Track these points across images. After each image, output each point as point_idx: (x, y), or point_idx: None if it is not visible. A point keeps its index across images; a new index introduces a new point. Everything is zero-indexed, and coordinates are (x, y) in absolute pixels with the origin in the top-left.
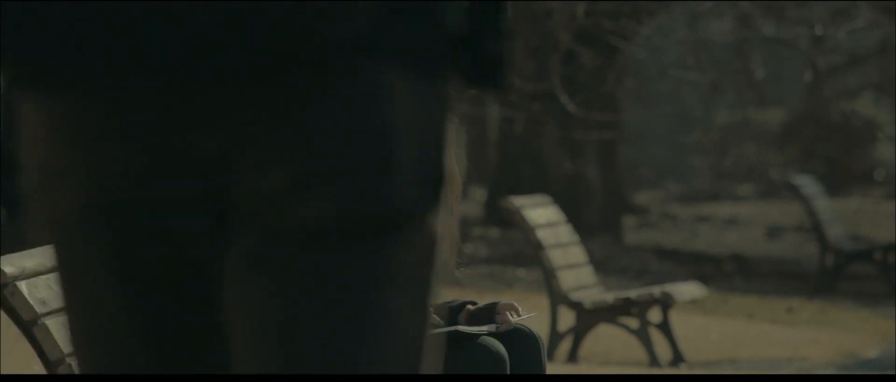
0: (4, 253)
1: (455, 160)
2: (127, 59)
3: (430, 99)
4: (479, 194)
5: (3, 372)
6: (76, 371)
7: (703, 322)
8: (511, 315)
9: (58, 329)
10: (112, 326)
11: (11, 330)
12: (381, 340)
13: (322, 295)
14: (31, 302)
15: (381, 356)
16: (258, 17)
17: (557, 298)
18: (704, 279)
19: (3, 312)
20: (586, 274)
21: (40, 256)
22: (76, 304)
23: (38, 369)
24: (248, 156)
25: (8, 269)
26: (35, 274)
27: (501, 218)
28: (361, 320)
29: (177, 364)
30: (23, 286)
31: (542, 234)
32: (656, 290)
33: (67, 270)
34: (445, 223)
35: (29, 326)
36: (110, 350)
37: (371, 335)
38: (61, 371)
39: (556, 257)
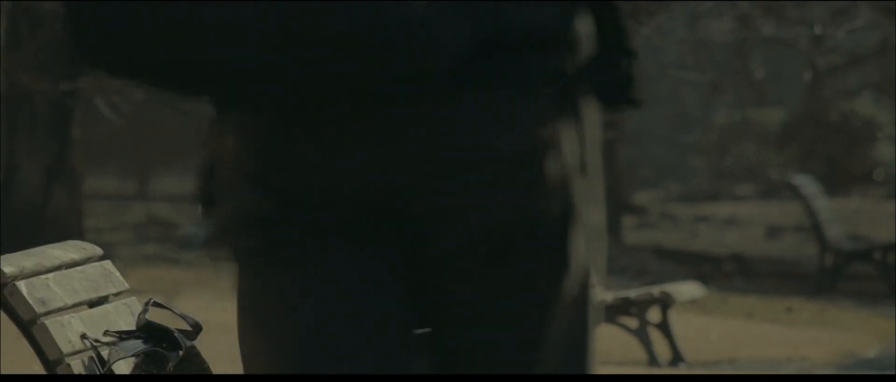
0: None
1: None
2: (317, 86)
3: (560, 122)
4: None
5: (2, 372)
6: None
7: (703, 322)
8: None
9: (57, 329)
10: (293, 317)
11: (11, 330)
12: (551, 328)
13: (488, 299)
14: (31, 301)
15: (555, 341)
16: (415, 45)
17: None
18: (704, 279)
19: (2, 312)
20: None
21: (40, 256)
22: (258, 293)
23: (38, 369)
24: (407, 173)
25: (7, 269)
26: (34, 273)
27: None
28: (531, 315)
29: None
30: (22, 286)
31: None
32: (656, 290)
33: (254, 262)
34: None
35: (28, 326)
36: (289, 337)
37: (543, 323)
38: (60, 371)
39: None
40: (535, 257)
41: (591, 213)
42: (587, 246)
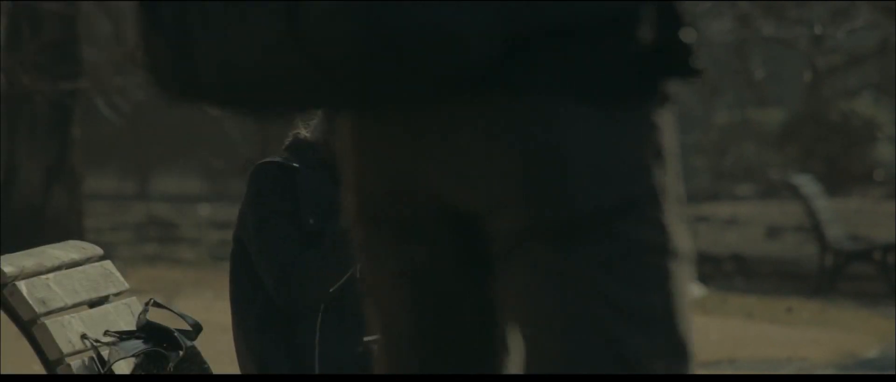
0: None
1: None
2: (390, 94)
3: (609, 120)
4: None
5: (2, 372)
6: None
7: (703, 322)
8: None
9: (57, 328)
10: (388, 300)
11: (11, 330)
12: (588, 322)
13: (531, 290)
14: (31, 301)
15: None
16: (445, 46)
17: None
18: (704, 279)
19: (2, 312)
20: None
21: (40, 256)
22: (368, 279)
23: (38, 369)
24: (455, 171)
25: (7, 269)
26: (35, 273)
27: None
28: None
29: (436, 338)
30: (22, 286)
31: None
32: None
33: (363, 253)
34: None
35: (28, 326)
36: (389, 314)
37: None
38: (61, 371)
39: None
40: (604, 246)
41: (648, 206)
42: (650, 238)
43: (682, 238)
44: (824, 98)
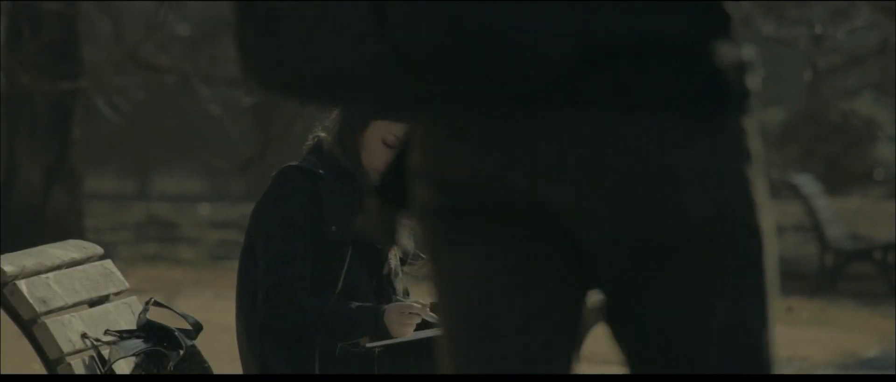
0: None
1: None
2: (473, 94)
3: (708, 133)
4: None
5: (3, 372)
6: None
7: None
8: None
9: (58, 328)
10: (463, 290)
11: (11, 330)
12: (703, 326)
13: (643, 298)
14: (31, 301)
15: (716, 337)
16: (518, 55)
17: None
18: None
19: (2, 311)
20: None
21: (40, 255)
22: (436, 270)
23: (38, 368)
24: (549, 176)
25: (8, 268)
26: (35, 273)
27: None
28: (692, 312)
29: (520, 341)
30: (22, 285)
31: None
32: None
33: (431, 250)
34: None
35: (29, 325)
36: (461, 301)
37: (706, 324)
38: (61, 370)
39: None
40: (712, 254)
41: (752, 213)
42: (753, 245)
43: (773, 241)
44: (824, 98)
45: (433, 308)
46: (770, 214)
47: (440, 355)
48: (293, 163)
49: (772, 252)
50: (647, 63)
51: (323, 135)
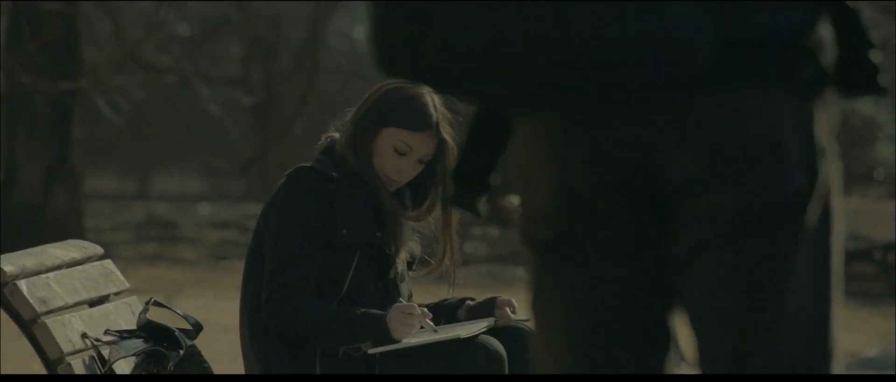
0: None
1: (831, 159)
2: (582, 90)
3: (807, 112)
4: None
5: (2, 372)
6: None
7: None
8: (509, 310)
9: (58, 328)
10: (572, 289)
11: (11, 329)
12: (795, 293)
13: (739, 261)
14: (31, 301)
15: (795, 306)
16: (676, 49)
17: None
18: None
19: (3, 311)
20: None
21: (40, 255)
22: (546, 273)
23: (38, 368)
24: (665, 157)
25: (8, 268)
26: (35, 273)
27: (501, 217)
28: (774, 279)
29: (624, 325)
30: (23, 285)
31: None
32: (529, 309)
33: (541, 255)
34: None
35: (29, 325)
36: (571, 316)
37: (786, 290)
38: (61, 370)
39: None
40: (783, 231)
41: (833, 196)
42: (829, 225)
43: (842, 222)
44: None
45: (532, 310)
46: (841, 197)
47: (536, 353)
48: (306, 165)
49: (840, 231)
50: (768, 52)
51: (336, 135)
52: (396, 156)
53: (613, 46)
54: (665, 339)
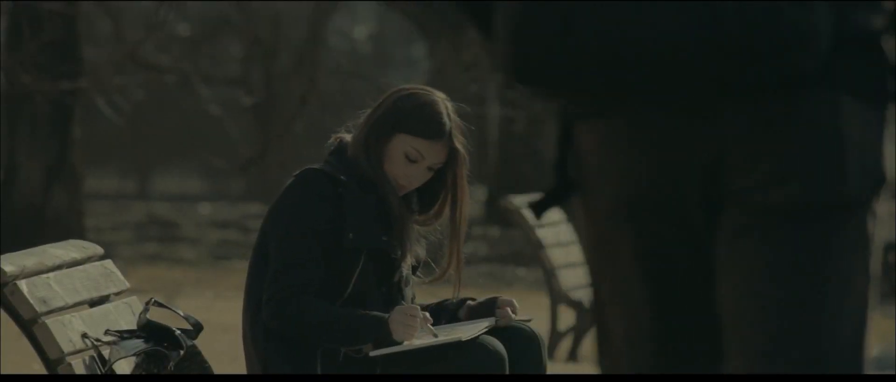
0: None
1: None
2: (650, 93)
3: (873, 117)
4: (480, 193)
5: (3, 372)
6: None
7: None
8: (510, 311)
9: (58, 328)
10: (635, 292)
11: (12, 330)
12: (838, 294)
13: (791, 255)
14: (31, 301)
15: (838, 306)
16: (745, 55)
17: (558, 297)
18: None
19: (3, 311)
20: (586, 274)
21: (40, 255)
22: (608, 280)
23: (39, 368)
24: (735, 159)
25: (8, 268)
26: (35, 272)
27: (501, 217)
28: (822, 276)
29: (682, 318)
30: (23, 285)
31: (542, 233)
32: (591, 305)
33: (603, 253)
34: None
35: (29, 325)
36: (632, 309)
37: (830, 289)
38: (61, 370)
39: (556, 256)
40: (837, 231)
41: (885, 186)
42: (874, 230)
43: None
44: None
45: (593, 306)
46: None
47: (600, 346)
48: (315, 166)
49: (880, 235)
50: (851, 53)
51: (346, 136)
52: (407, 163)
53: (762, 40)
54: (717, 329)
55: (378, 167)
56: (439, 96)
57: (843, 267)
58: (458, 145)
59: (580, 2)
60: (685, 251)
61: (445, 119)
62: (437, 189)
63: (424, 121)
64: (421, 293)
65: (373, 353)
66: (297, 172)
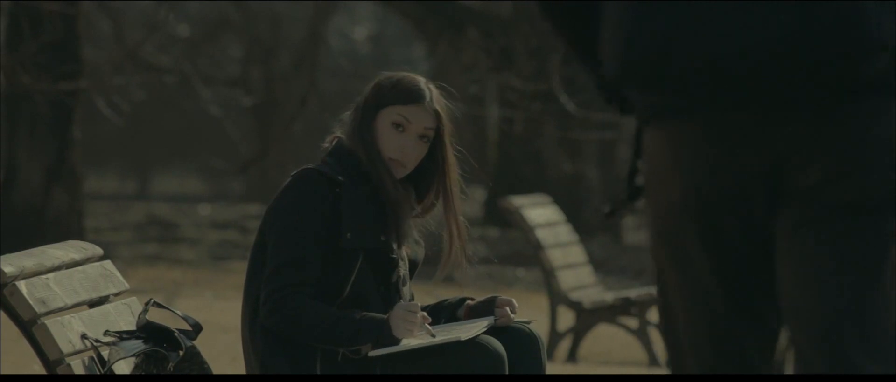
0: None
1: None
2: (715, 98)
3: None
4: (479, 194)
5: (2, 372)
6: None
7: None
8: (509, 311)
9: (57, 328)
10: (700, 279)
11: (11, 330)
12: (892, 281)
13: (847, 247)
14: (31, 301)
15: (890, 296)
16: (808, 66)
17: (557, 298)
18: None
19: (2, 312)
20: (586, 274)
21: (40, 256)
22: (674, 269)
23: (38, 369)
24: (798, 159)
25: (7, 269)
26: (35, 273)
27: (501, 217)
28: (876, 266)
29: (742, 303)
30: (22, 285)
31: (541, 234)
32: (656, 290)
33: (669, 244)
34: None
35: (28, 326)
36: (696, 294)
37: (883, 278)
38: (61, 371)
39: (555, 257)
40: (889, 222)
41: None
42: None
43: None
44: None
45: (658, 295)
46: None
47: (666, 331)
48: (313, 166)
49: None
50: (880, 58)
51: (341, 136)
52: (397, 133)
53: (846, 46)
54: (774, 314)
55: (373, 149)
56: (414, 73)
57: (891, 257)
58: (440, 109)
59: (682, 10)
60: (748, 242)
61: (423, 86)
62: (431, 173)
63: (403, 90)
64: (419, 293)
65: (372, 353)
66: (294, 172)
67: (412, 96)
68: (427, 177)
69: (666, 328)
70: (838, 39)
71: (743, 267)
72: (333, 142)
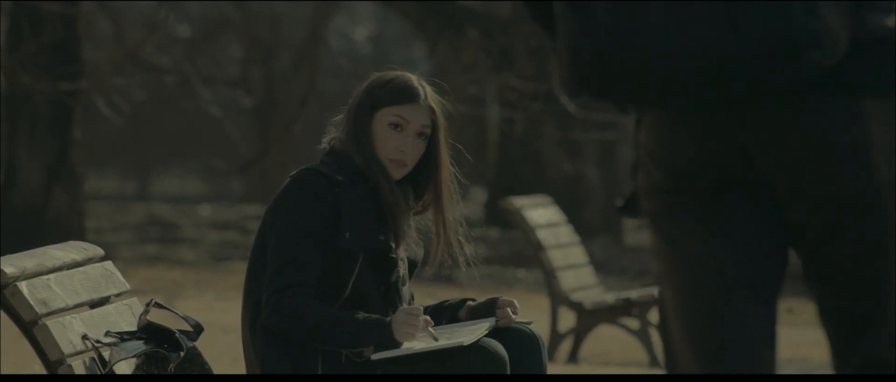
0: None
1: None
2: (660, 100)
3: (893, 113)
4: (479, 194)
5: (3, 372)
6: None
7: None
8: (510, 312)
9: (58, 329)
10: (685, 241)
11: (12, 331)
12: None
13: (848, 247)
14: (32, 302)
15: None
16: (738, 64)
17: (558, 299)
18: None
19: (3, 312)
20: (587, 275)
21: (41, 257)
22: (657, 236)
23: (39, 369)
24: (763, 157)
25: (8, 269)
26: (36, 274)
27: (501, 218)
28: (883, 264)
29: (740, 280)
30: (23, 286)
31: (542, 235)
32: (657, 291)
33: (658, 216)
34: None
35: (29, 326)
36: (686, 257)
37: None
38: (61, 371)
39: (556, 257)
40: (873, 222)
41: None
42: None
43: None
44: None
45: (658, 275)
46: None
47: (666, 319)
48: (311, 166)
49: None
50: (865, 54)
51: (339, 136)
52: (396, 133)
53: (783, 45)
54: (763, 287)
55: (369, 152)
56: (406, 72)
57: (887, 252)
58: (434, 104)
59: (620, 15)
60: (721, 216)
61: (416, 84)
62: (426, 171)
63: (397, 90)
64: (419, 293)
65: (374, 356)
66: (293, 173)
67: (407, 95)
68: (423, 174)
69: (665, 326)
70: (764, 37)
71: (724, 248)
72: (331, 143)
